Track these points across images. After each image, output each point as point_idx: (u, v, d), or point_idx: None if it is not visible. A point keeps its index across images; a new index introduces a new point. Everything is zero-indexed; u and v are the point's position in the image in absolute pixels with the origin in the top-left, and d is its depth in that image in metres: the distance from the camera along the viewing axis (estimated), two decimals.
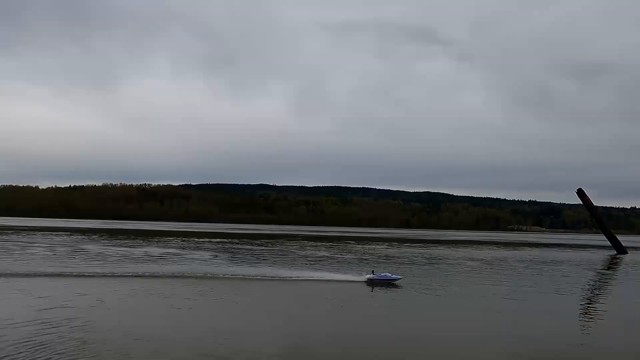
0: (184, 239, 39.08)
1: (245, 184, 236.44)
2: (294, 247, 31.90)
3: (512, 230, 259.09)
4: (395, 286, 15.00)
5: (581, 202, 42.09)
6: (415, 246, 38.51)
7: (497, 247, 42.35)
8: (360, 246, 34.87)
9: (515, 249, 38.07)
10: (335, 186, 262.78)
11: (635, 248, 51.08)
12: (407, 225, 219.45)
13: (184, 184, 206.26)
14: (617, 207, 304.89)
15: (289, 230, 79.27)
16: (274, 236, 50.44)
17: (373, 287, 14.79)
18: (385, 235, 70.54)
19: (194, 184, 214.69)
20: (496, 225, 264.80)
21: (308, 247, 31.77)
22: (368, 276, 15.83)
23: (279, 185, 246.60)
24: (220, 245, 31.43)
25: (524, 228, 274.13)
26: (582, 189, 40.30)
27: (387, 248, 33.67)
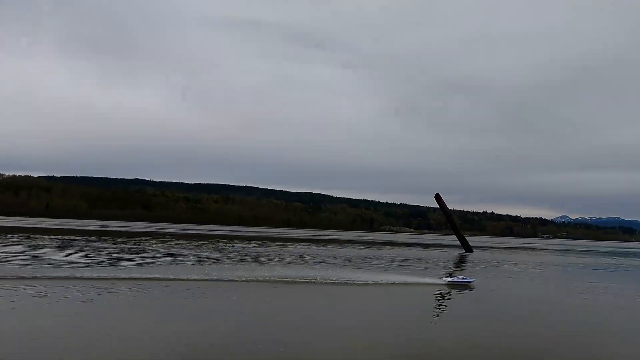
0: (33, 235, 34.70)
1: (119, 178, 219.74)
2: (160, 245, 30.18)
3: (384, 230, 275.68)
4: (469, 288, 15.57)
5: (439, 206, 46.42)
6: (286, 245, 38.97)
7: (364, 246, 44.70)
8: (230, 244, 34.26)
9: (378, 248, 40.49)
10: (217, 184, 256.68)
11: (482, 247, 57.88)
12: (288, 224, 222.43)
13: (45, 175, 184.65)
14: (473, 211, 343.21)
15: (163, 228, 75.23)
16: (143, 234, 47.34)
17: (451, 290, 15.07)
18: (262, 234, 70.56)
19: (58, 175, 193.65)
20: (370, 226, 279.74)
21: (174, 245, 30.30)
22: (446, 279, 16.50)
23: (157, 180, 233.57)
24: (74, 243, 28.42)
25: (395, 229, 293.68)
26: (439, 194, 44.50)
27: (257, 247, 33.53)
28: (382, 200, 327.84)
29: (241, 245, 34.42)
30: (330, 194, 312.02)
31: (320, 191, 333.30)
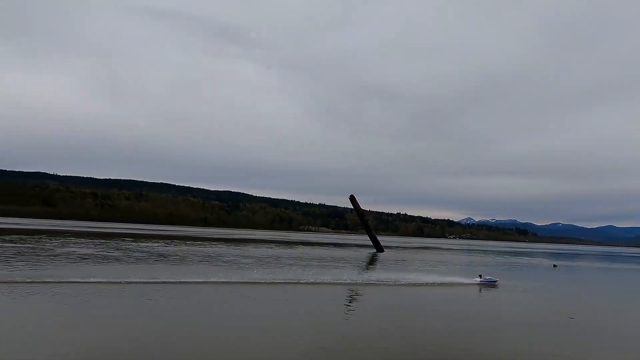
0: None
1: (16, 170, 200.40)
2: (56, 244, 27.73)
3: (303, 230, 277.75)
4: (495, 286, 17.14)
5: (353, 207, 47.53)
6: (197, 244, 37.72)
7: (279, 245, 44.59)
8: (135, 244, 32.42)
9: (291, 248, 40.57)
10: (129, 180, 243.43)
11: (393, 247, 60.30)
12: (205, 223, 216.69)
13: None
14: (387, 212, 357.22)
15: (65, 226, 69.54)
16: (37, 232, 43.34)
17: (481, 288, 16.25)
18: (175, 233, 67.82)
19: None
20: (289, 226, 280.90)
21: (72, 244, 28.01)
22: (475, 279, 18.07)
23: (61, 175, 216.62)
24: None
25: (313, 229, 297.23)
26: (354, 195, 45.64)
27: (165, 246, 32.08)
28: (302, 200, 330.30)
29: (149, 244, 32.73)
30: (250, 193, 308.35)
31: (240, 190, 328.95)
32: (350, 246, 56.30)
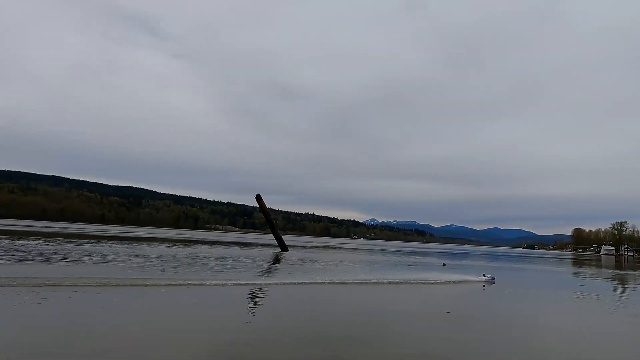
0: None
1: None
2: None
3: (209, 229, 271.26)
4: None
5: (259, 206, 47.12)
6: (85, 242, 34.92)
7: (176, 244, 42.92)
8: (10, 241, 29.16)
9: (189, 247, 39.23)
10: (15, 171, 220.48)
11: (299, 246, 60.84)
12: (102, 220, 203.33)
13: None
14: (295, 212, 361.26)
15: None
16: None
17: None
18: (65, 231, 62.29)
19: None
20: (195, 224, 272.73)
21: None
22: (481, 277, 21.52)
23: None
24: None
25: (220, 227, 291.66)
26: (260, 194, 45.26)
27: (47, 244, 29.25)
28: (209, 198, 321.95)
29: (27, 242, 29.58)
30: (153, 189, 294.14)
31: (142, 185, 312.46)
32: (255, 245, 55.79)
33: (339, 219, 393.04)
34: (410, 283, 18.67)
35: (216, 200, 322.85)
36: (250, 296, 12.28)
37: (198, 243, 51.35)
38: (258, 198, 44.94)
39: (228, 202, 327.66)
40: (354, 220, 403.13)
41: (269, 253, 38.50)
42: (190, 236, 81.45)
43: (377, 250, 71.79)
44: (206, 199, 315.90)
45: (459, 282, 20.45)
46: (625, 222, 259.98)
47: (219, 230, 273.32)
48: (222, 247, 44.36)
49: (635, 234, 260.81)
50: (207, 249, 38.38)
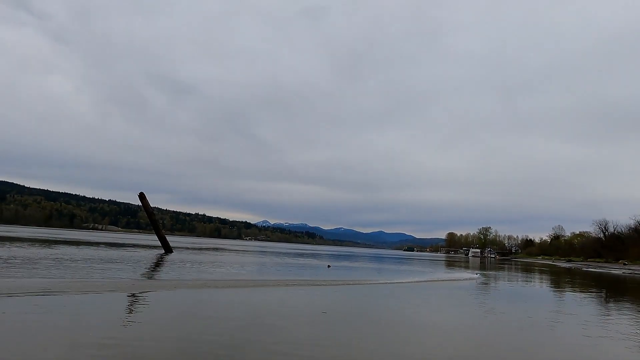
0: None
1: None
2: None
3: (87, 228, 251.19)
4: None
5: (142, 205, 44.52)
6: None
7: (43, 245, 38.93)
8: None
9: (51, 247, 35.84)
10: None
11: (184, 248, 58.66)
12: None
13: None
14: (185, 212, 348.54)
15: None
16: None
17: None
18: None
19: None
20: (71, 223, 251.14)
21: None
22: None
23: None
24: None
25: (100, 227, 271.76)
26: (144, 193, 42.79)
27: None
28: (88, 195, 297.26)
29: None
30: (21, 184, 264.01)
31: (7, 179, 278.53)
32: (136, 246, 52.59)
33: (231, 220, 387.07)
34: (296, 285, 19.05)
35: (96, 198, 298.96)
36: (114, 306, 10.72)
37: (69, 243, 46.98)
38: (141, 196, 42.50)
39: (110, 200, 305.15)
40: (245, 222, 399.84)
41: (150, 254, 36.57)
42: (59, 236, 74.17)
43: (268, 251, 71.91)
44: (84, 196, 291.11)
45: (344, 283, 21.33)
46: (490, 227, 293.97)
47: (99, 230, 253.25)
48: (93, 248, 41.08)
49: (497, 238, 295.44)
50: (73, 249, 35.23)
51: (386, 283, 23.12)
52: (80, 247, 40.48)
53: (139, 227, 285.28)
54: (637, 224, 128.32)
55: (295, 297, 14.73)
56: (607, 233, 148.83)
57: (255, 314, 10.38)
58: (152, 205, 44.40)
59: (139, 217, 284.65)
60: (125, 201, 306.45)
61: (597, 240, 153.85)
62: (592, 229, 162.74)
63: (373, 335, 9.02)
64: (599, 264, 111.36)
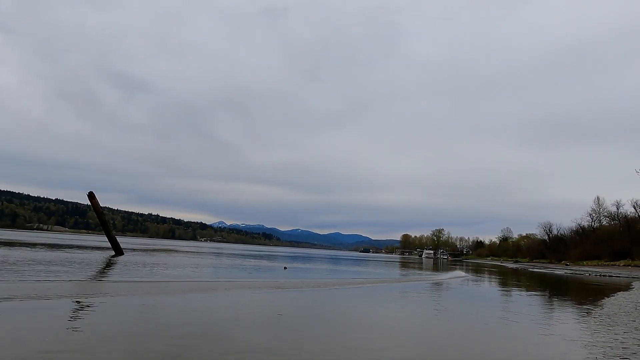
0: None
1: None
2: None
3: (31, 229, 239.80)
4: None
5: (91, 205, 42.78)
6: None
7: None
8: None
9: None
10: None
11: (136, 249, 56.79)
12: None
13: None
14: (137, 212, 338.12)
15: None
16: None
17: None
18: None
19: None
20: (13, 223, 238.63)
21: None
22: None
23: None
24: None
25: (46, 227, 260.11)
26: (93, 192, 41.09)
27: None
28: (33, 194, 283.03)
29: None
30: None
31: None
32: (84, 248, 50.47)
33: (185, 220, 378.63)
34: (252, 287, 18.86)
35: (41, 197, 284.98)
36: (57, 314, 9.84)
37: (3, 244, 44.48)
38: (90, 196, 40.82)
39: (57, 199, 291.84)
40: (201, 223, 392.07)
41: (98, 256, 35.19)
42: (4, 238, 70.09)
43: (224, 253, 70.80)
44: (29, 194, 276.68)
45: (300, 285, 21.31)
46: (443, 229, 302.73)
47: (44, 230, 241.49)
48: (28, 249, 39.06)
49: (450, 239, 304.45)
50: (4, 251, 33.37)
51: (342, 284, 23.31)
52: (13, 248, 38.06)
53: (88, 228, 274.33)
54: (578, 226, 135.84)
55: (250, 299, 14.58)
56: (551, 235, 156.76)
57: (209, 318, 10.20)
58: (102, 205, 42.77)
59: (88, 217, 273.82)
60: (73, 200, 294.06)
61: (542, 242, 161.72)
62: (537, 232, 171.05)
63: (326, 335, 9.08)
64: (544, 265, 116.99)
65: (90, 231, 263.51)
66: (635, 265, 78.81)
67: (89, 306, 11.03)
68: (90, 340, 7.43)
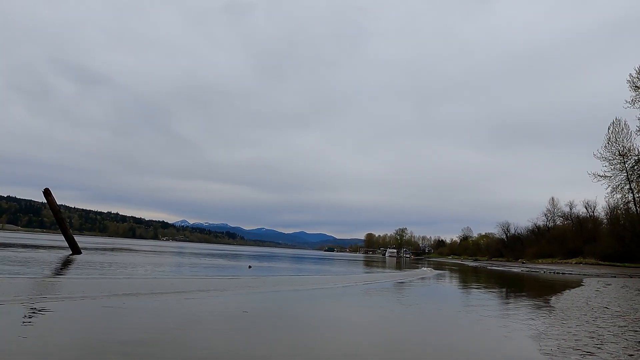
0: None
1: None
2: None
3: None
4: None
5: (47, 203, 41.15)
6: None
7: None
8: None
9: None
10: None
11: (94, 249, 55.02)
12: None
13: None
14: (96, 210, 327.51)
15: None
16: None
17: None
18: None
19: None
20: None
21: None
22: None
23: None
24: None
25: None
26: (49, 189, 39.53)
27: None
28: None
29: None
30: None
31: None
32: (37, 247, 48.45)
33: (147, 219, 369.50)
34: (217, 289, 18.62)
35: None
36: (5, 319, 9.32)
37: None
38: (46, 193, 39.25)
39: (8, 196, 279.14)
40: (163, 222, 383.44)
41: (54, 256, 33.88)
42: None
43: (186, 252, 69.51)
44: None
45: (264, 285, 21.19)
46: (405, 228, 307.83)
47: None
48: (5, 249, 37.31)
49: (412, 238, 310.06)
50: None
51: (307, 283, 23.34)
52: None
53: (42, 227, 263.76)
54: (534, 226, 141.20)
55: (214, 298, 14.40)
56: (508, 234, 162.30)
57: (166, 322, 10.00)
58: (58, 203, 41.16)
59: (43, 215, 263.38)
60: (26, 198, 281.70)
61: (500, 241, 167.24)
62: (496, 231, 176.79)
63: (291, 333, 9.09)
64: (502, 263, 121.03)
65: (45, 230, 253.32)
66: (586, 263, 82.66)
67: (40, 311, 10.00)
68: (34, 348, 6.79)
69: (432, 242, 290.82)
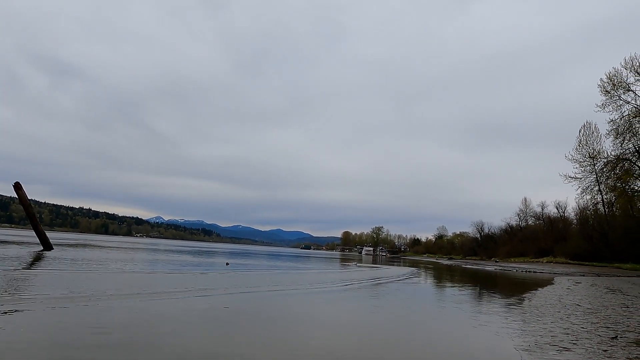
0: None
1: None
2: None
3: None
4: None
5: (18, 197, 39.94)
6: None
7: None
8: None
9: None
10: None
11: (66, 245, 53.69)
12: None
13: None
14: (67, 205, 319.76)
15: None
16: None
17: None
18: None
19: None
20: None
21: None
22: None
23: None
24: None
25: None
26: (20, 183, 38.39)
27: None
28: None
29: None
30: None
31: None
32: (5, 243, 46.98)
33: (120, 215, 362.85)
34: (194, 288, 18.37)
35: None
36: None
37: None
38: (17, 187, 38.12)
39: None
40: (137, 218, 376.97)
41: (29, 252, 32.93)
42: None
43: (161, 249, 68.43)
44: None
45: (243, 283, 21.01)
46: (382, 227, 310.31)
47: None
48: None
49: (389, 237, 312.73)
50: None
51: (283, 281, 23.26)
52: None
53: (11, 222, 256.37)
54: (507, 225, 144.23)
55: (193, 297, 14.19)
56: (482, 233, 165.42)
57: (147, 320, 9.80)
58: (28, 198, 40.00)
59: (12, 210, 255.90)
60: None
61: (474, 239, 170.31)
62: (470, 230, 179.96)
63: (267, 331, 9.02)
64: (476, 261, 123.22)
65: (14, 225, 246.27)
66: (557, 262, 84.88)
67: (5, 312, 9.12)
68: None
69: (408, 241, 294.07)
